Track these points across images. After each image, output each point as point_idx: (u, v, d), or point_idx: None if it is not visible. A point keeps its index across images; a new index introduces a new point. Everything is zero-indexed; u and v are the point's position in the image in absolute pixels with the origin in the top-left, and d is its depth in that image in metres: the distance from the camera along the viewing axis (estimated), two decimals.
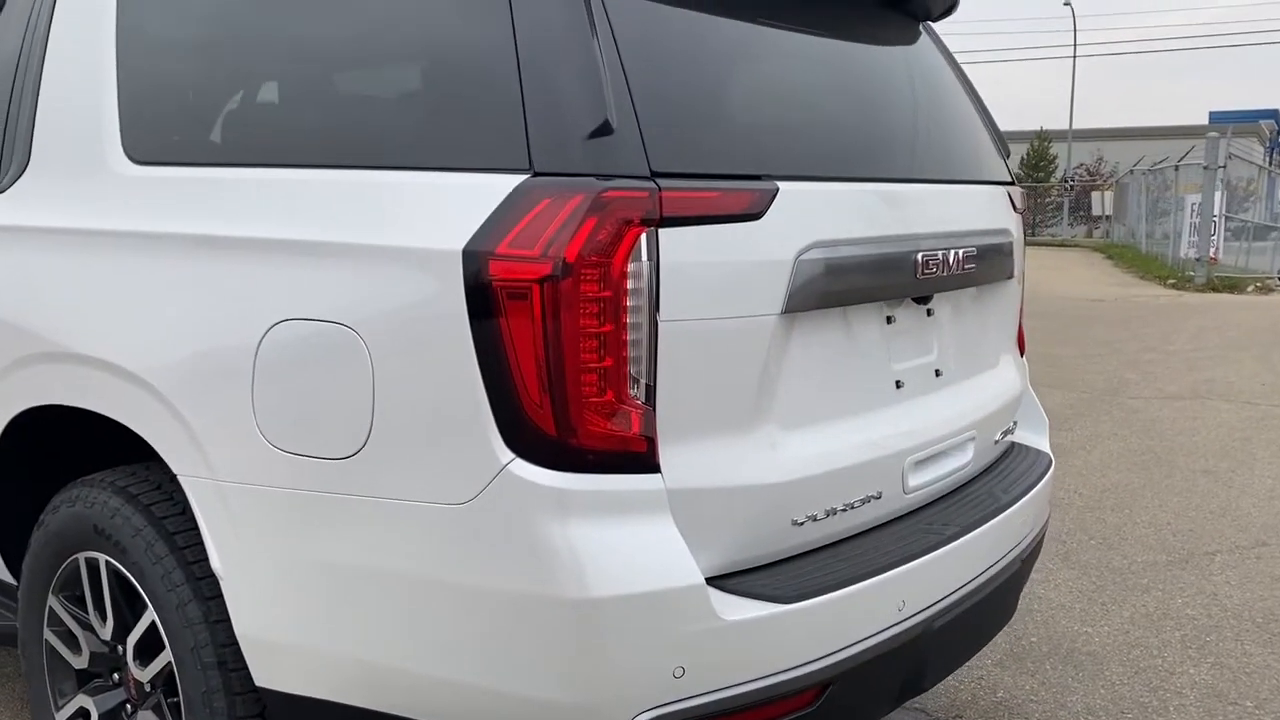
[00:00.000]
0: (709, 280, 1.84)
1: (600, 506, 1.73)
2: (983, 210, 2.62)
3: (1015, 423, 2.84)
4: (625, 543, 1.74)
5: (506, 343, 1.71)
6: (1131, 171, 29.60)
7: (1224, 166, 18.40)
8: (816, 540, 2.09)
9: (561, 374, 1.70)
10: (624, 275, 1.72)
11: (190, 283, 2.07)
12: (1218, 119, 43.74)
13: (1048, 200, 48.71)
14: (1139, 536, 4.83)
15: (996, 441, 2.69)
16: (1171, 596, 4.12)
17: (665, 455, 1.80)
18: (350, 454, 1.86)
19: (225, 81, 2.29)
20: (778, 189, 1.94)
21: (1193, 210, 19.10)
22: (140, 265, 2.17)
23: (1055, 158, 49.40)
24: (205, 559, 2.06)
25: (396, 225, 1.83)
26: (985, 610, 2.37)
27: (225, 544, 2.03)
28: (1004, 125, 2.87)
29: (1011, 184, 2.86)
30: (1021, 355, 2.97)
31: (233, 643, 2.06)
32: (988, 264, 2.54)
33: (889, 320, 2.28)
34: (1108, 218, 35.66)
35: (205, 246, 2.06)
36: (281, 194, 2.01)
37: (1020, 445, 2.89)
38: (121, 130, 2.29)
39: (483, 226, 1.73)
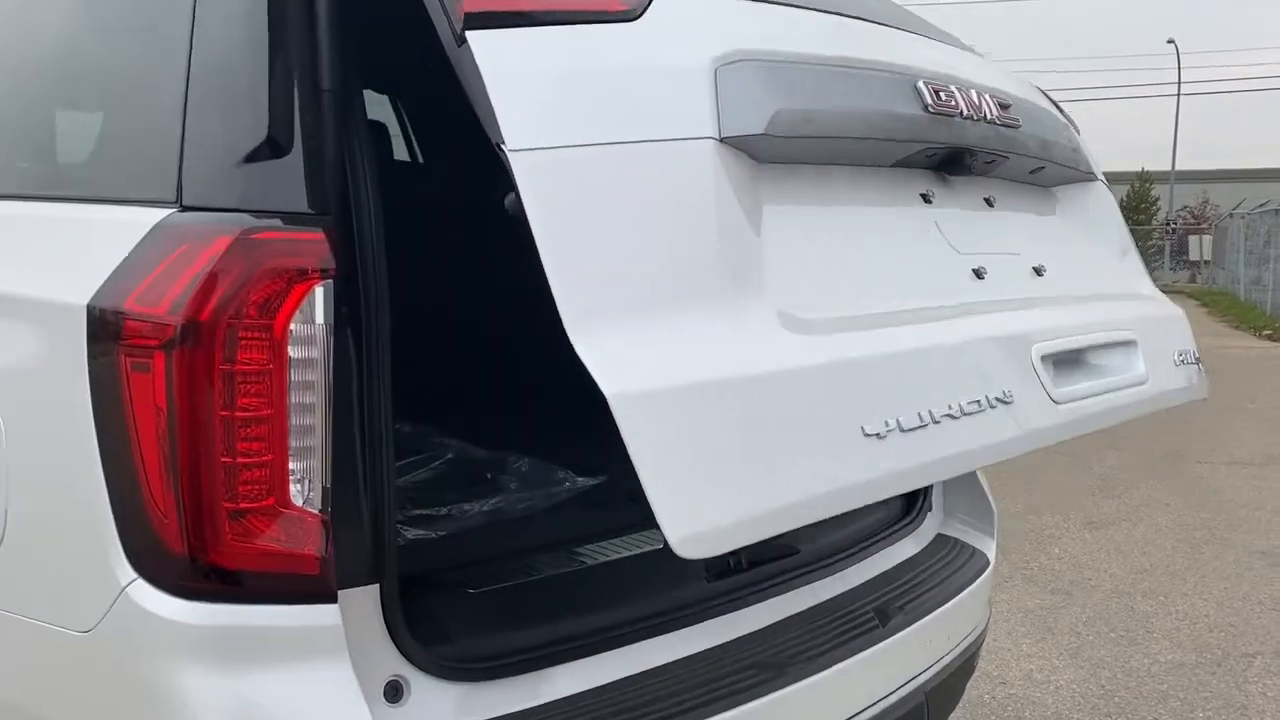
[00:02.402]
0: (576, 96, 1.37)
1: (247, 649, 1.31)
2: (1010, 83, 2.06)
3: (1199, 357, 2.16)
4: (279, 701, 1.31)
5: (129, 427, 1.30)
6: (1230, 215, 28.31)
7: None
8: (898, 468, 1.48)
9: (194, 470, 1.29)
10: (285, 341, 1.31)
11: None
12: None
13: (1149, 244, 46.99)
14: (1169, 630, 4.22)
15: (1178, 363, 2.06)
16: (1192, 709, 3.53)
17: (593, 342, 1.23)
18: None
19: None
20: None
21: None
22: None
23: (1157, 199, 47.78)
24: None
25: (26, 269, 1.47)
26: None
27: None
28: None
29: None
30: None
31: None
32: (1039, 137, 1.98)
33: (926, 199, 1.78)
34: (1206, 262, 34.19)
35: None
36: None
37: (947, 538, 2.37)
38: None
39: (113, 275, 1.34)
